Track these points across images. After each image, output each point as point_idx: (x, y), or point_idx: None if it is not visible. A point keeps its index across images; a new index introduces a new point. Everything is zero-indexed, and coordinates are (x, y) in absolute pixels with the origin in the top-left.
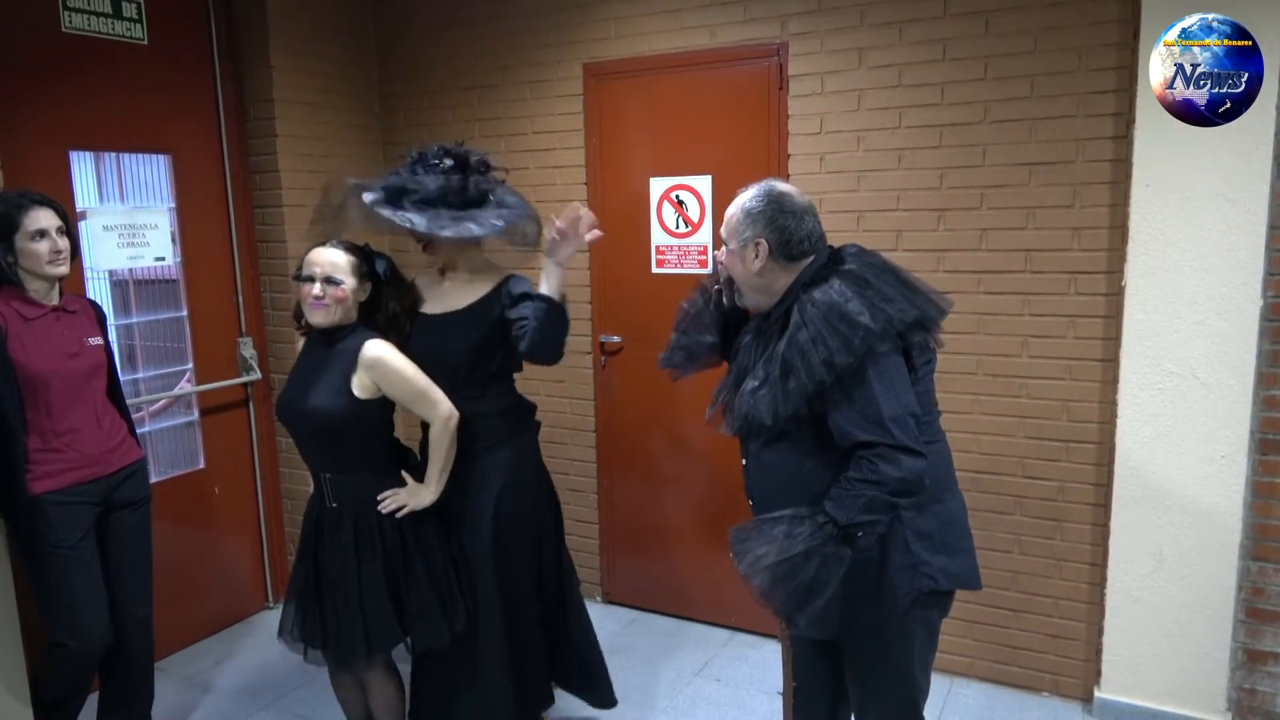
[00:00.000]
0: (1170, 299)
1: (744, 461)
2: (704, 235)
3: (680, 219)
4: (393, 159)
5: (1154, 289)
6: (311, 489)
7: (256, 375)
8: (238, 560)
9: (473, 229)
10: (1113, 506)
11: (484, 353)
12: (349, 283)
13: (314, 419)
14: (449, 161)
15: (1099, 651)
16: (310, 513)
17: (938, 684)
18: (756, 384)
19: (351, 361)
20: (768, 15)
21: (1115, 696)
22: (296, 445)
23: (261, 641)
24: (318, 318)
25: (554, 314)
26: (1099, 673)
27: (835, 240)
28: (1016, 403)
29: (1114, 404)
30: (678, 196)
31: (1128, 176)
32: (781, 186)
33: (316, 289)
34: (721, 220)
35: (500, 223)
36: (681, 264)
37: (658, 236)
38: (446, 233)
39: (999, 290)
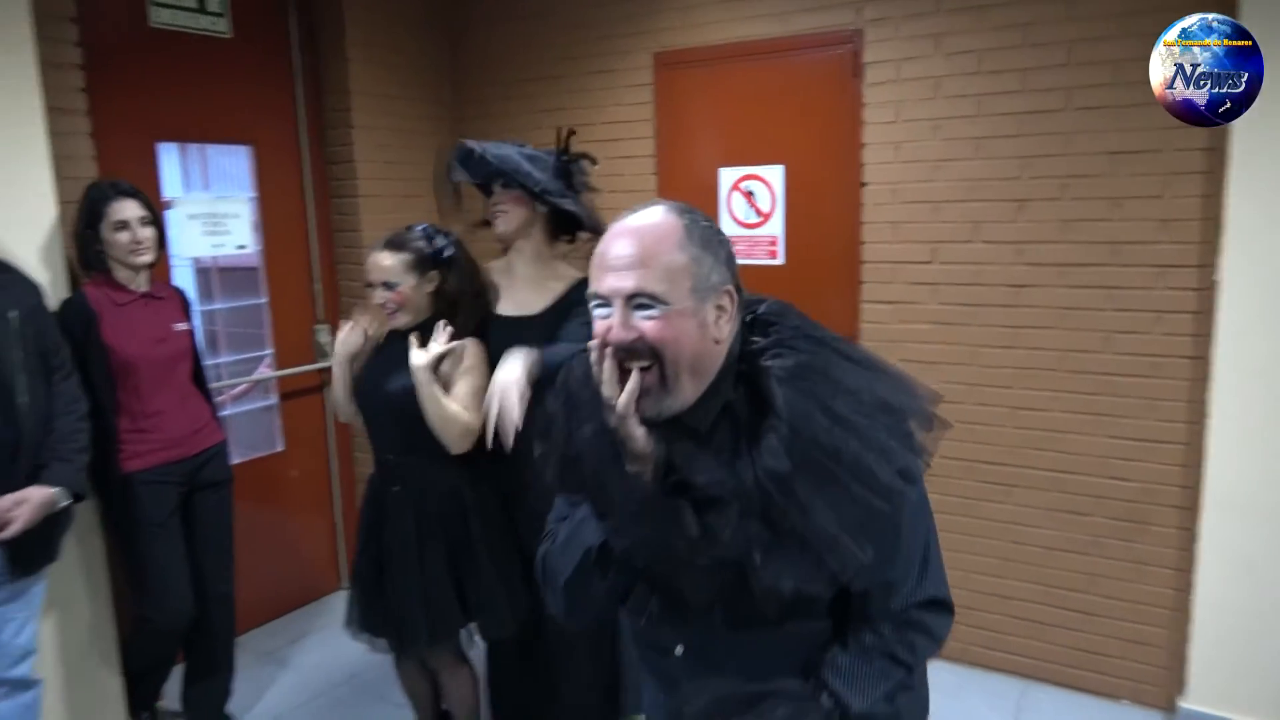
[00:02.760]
0: (1268, 294)
1: (680, 649)
2: (774, 226)
3: (751, 209)
4: None
5: (1250, 284)
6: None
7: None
8: (313, 541)
9: (564, 203)
10: (1201, 510)
11: None
12: (404, 282)
13: (395, 399)
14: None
15: (1183, 660)
16: (371, 499)
17: (1010, 687)
18: (775, 543)
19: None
20: (842, 1)
21: (1199, 707)
22: (368, 428)
23: (335, 621)
24: (395, 322)
25: None
26: (1183, 681)
27: (920, 234)
28: (1098, 400)
29: (1203, 403)
30: (747, 187)
31: (1222, 165)
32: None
33: (378, 296)
34: (782, 215)
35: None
36: (752, 255)
37: (727, 227)
38: (542, 185)
39: (1082, 284)
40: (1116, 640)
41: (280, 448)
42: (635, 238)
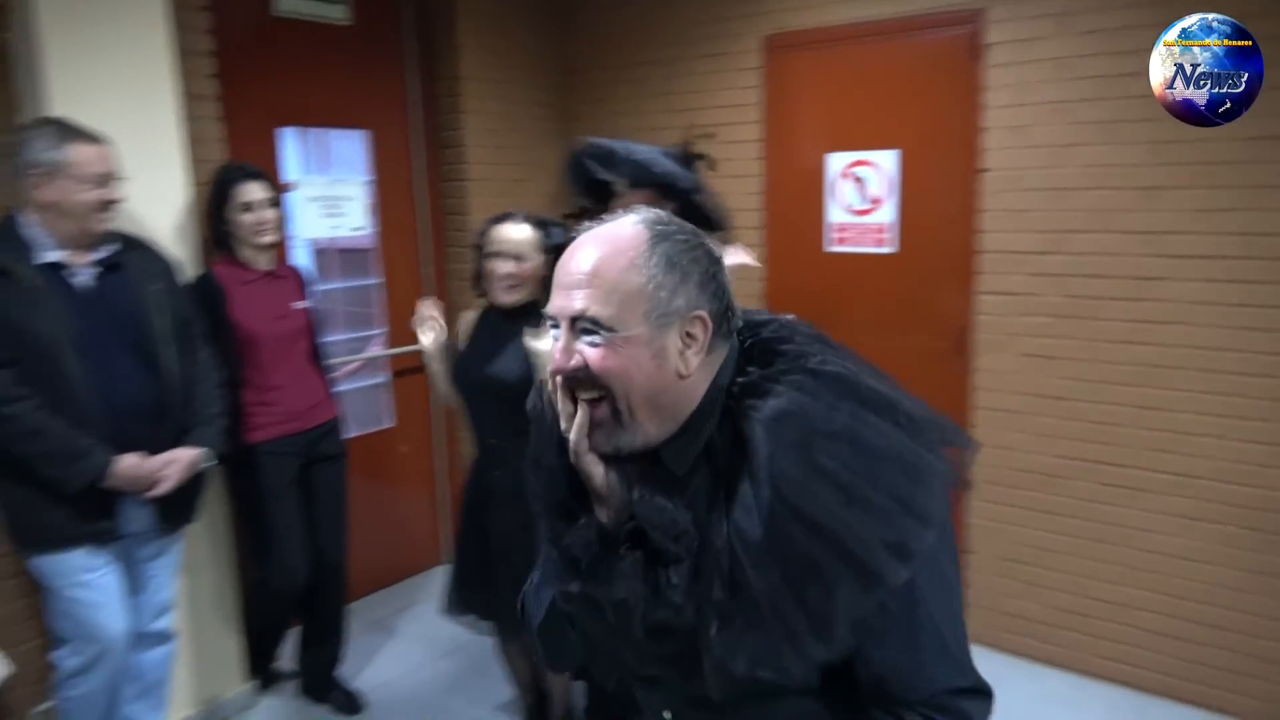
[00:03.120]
0: None
1: (668, 715)
2: (885, 213)
3: (860, 195)
4: (571, 135)
5: None
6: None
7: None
8: (419, 516)
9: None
10: None
11: None
12: (533, 260)
13: (498, 384)
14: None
15: None
16: (473, 484)
17: (1130, 701)
18: (735, 614)
19: (515, 345)
20: None
21: None
22: (469, 411)
23: (437, 594)
24: (509, 298)
25: None
26: None
27: (1043, 222)
28: (1232, 401)
29: None
30: (858, 173)
31: None
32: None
33: (510, 267)
34: (895, 202)
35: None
36: (860, 242)
37: (835, 214)
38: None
39: (1216, 277)
40: (1248, 657)
41: (390, 424)
42: (590, 253)
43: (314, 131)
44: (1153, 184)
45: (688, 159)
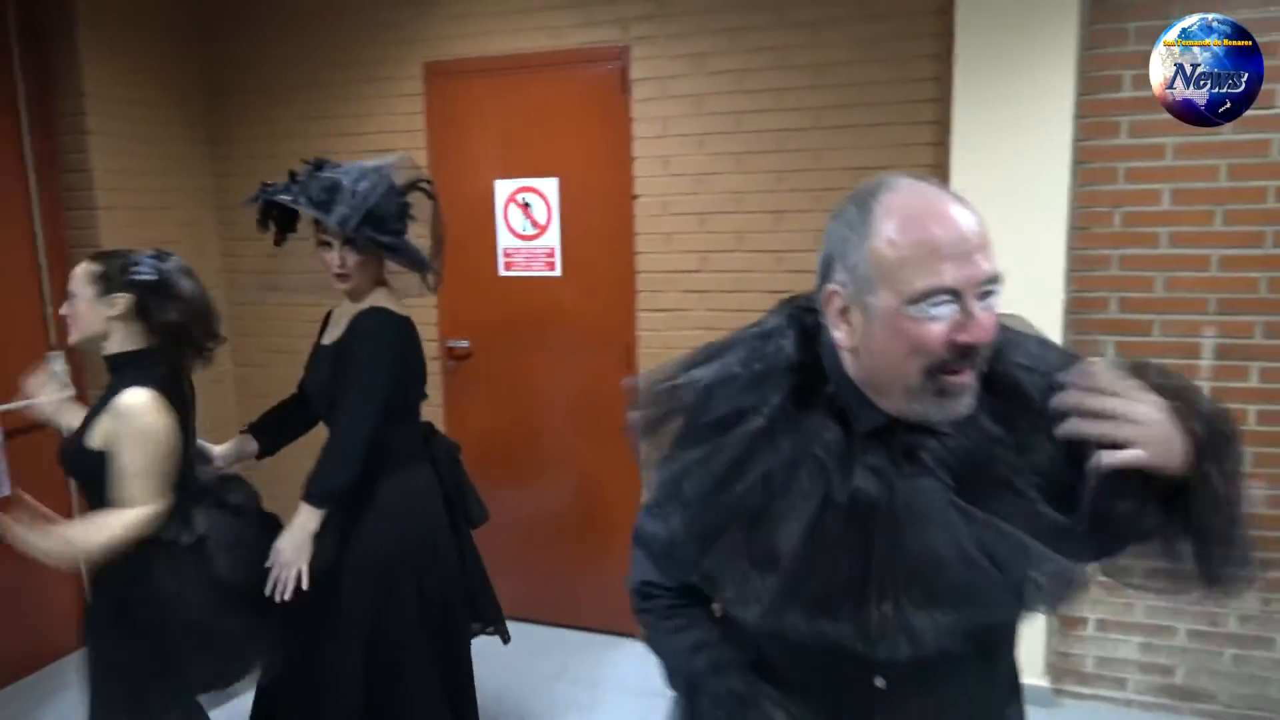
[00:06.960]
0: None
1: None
2: (550, 238)
3: (527, 221)
4: (222, 159)
5: None
6: None
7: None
8: (54, 596)
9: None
10: None
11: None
12: (82, 295)
13: (65, 460)
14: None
15: None
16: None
17: None
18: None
19: (104, 404)
20: (609, 19)
21: None
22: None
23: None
24: (69, 339)
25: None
26: None
27: (690, 244)
28: None
29: None
30: (524, 199)
31: (946, 181)
32: None
33: (64, 307)
34: (558, 227)
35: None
36: (530, 267)
37: (505, 239)
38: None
39: None
40: None
41: (6, 492)
42: (967, 210)
43: None
44: (779, 208)
45: (403, 196)
